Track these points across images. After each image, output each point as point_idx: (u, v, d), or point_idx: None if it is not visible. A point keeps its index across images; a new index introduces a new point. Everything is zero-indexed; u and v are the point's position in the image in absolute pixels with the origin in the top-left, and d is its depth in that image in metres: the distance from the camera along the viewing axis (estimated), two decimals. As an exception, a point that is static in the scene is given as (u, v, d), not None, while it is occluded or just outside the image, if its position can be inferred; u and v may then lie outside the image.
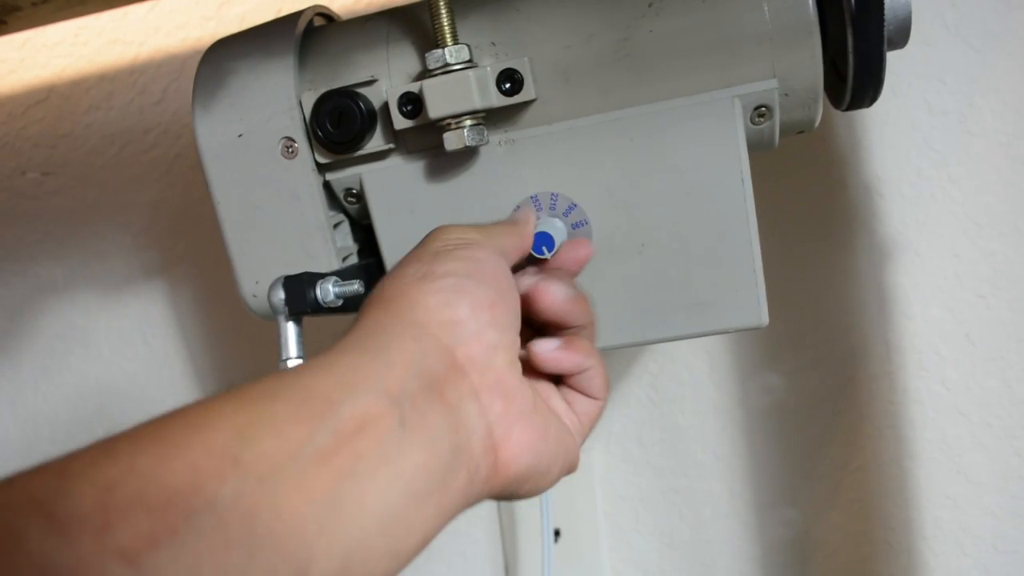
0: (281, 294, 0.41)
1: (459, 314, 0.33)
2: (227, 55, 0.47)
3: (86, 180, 0.83)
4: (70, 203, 0.84)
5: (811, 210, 0.67)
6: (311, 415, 0.26)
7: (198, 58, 0.78)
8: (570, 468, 0.38)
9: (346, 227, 0.49)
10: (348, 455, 0.26)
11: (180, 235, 0.82)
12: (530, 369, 0.40)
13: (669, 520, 0.75)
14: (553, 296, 0.38)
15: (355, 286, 0.41)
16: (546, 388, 0.40)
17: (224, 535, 0.22)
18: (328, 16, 0.53)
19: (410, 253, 0.37)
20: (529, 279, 0.39)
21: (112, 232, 0.83)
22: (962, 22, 0.63)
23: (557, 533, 0.74)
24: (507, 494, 0.35)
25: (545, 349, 0.38)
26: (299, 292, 0.40)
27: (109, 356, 0.85)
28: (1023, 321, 0.65)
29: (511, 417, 0.33)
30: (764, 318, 0.44)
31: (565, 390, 0.40)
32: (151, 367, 0.84)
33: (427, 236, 0.37)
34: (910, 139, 0.65)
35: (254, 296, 0.48)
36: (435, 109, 0.41)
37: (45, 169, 0.85)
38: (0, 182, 0.86)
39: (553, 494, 0.70)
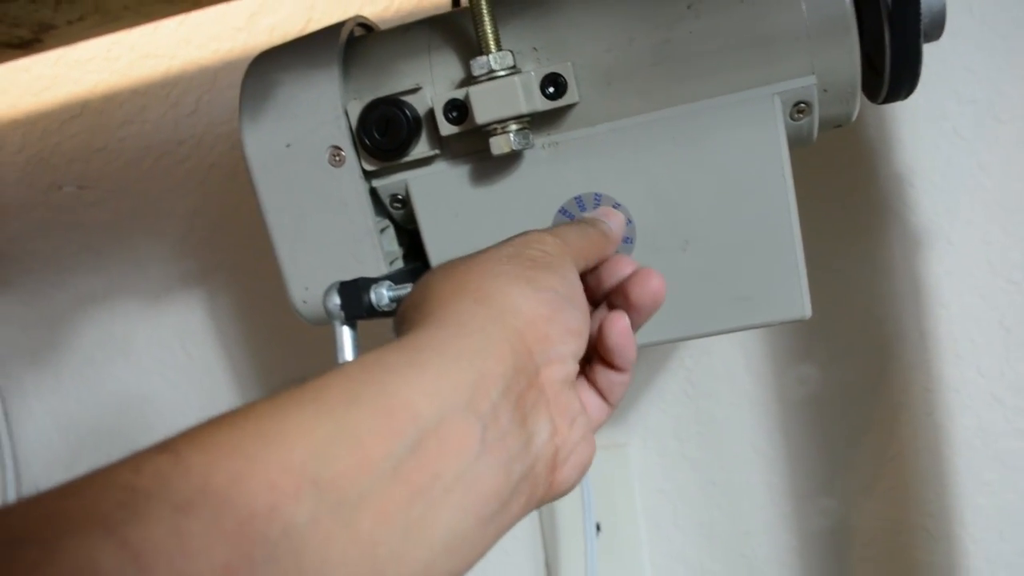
0: (337, 299, 0.42)
1: (555, 334, 0.32)
2: (272, 67, 0.48)
3: (122, 192, 0.85)
4: (107, 215, 0.86)
5: (843, 201, 0.68)
6: (394, 429, 0.25)
7: (230, 69, 0.80)
8: None
9: (392, 232, 0.50)
10: (426, 475, 0.25)
11: (217, 244, 0.83)
12: None
13: (707, 513, 0.76)
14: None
15: (408, 289, 0.42)
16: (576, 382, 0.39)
17: (299, 562, 0.22)
18: (367, 26, 0.54)
19: (500, 247, 0.35)
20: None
21: (149, 243, 0.85)
22: (988, 10, 0.63)
23: (597, 528, 0.75)
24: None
25: (626, 324, 0.37)
26: (354, 297, 0.41)
27: (150, 365, 0.87)
28: (1057, 306, 0.65)
29: (574, 441, 0.33)
30: (807, 310, 0.45)
31: (585, 391, 0.39)
32: (191, 375, 0.86)
33: (519, 237, 0.37)
34: (939, 128, 0.66)
35: (304, 302, 0.49)
36: (482, 115, 0.42)
37: (81, 183, 0.86)
38: (37, 197, 0.87)
39: (592, 490, 0.71)
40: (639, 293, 0.37)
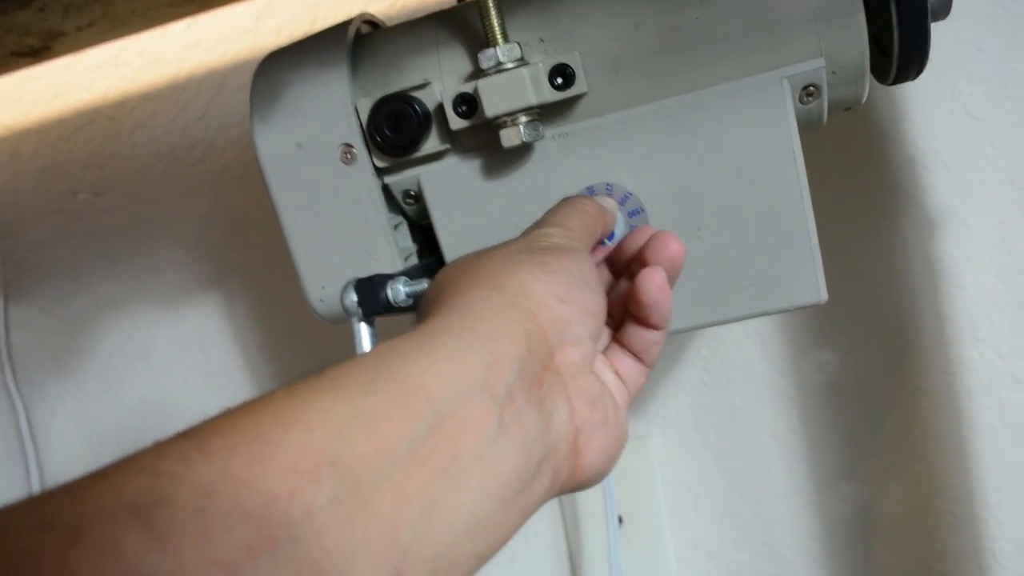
0: (354, 296, 0.42)
1: (571, 315, 0.33)
2: (281, 67, 0.49)
3: (136, 198, 0.86)
4: (122, 221, 0.86)
5: (856, 186, 0.67)
6: (410, 412, 0.25)
7: (238, 72, 0.80)
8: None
9: (405, 228, 0.50)
10: (445, 456, 0.26)
11: (232, 246, 0.83)
12: None
13: (729, 501, 0.76)
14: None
15: (424, 284, 0.42)
16: (600, 360, 0.38)
17: (321, 544, 0.22)
18: (373, 23, 0.54)
19: (510, 243, 0.36)
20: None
21: (165, 247, 0.85)
22: (998, -12, 0.63)
23: (619, 520, 0.75)
24: (571, 491, 0.35)
25: (663, 279, 0.36)
26: (371, 294, 0.42)
27: (169, 368, 0.87)
28: (1076, 284, 0.65)
29: (595, 424, 0.33)
30: (823, 294, 0.45)
31: (619, 357, 0.38)
32: (211, 377, 0.86)
33: (525, 235, 0.37)
34: (951, 109, 0.65)
35: (321, 301, 0.50)
36: (491, 108, 0.42)
37: (96, 189, 0.87)
38: (53, 204, 0.88)
39: (614, 481, 0.71)
40: (658, 257, 0.37)
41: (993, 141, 0.65)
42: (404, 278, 0.43)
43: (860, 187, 0.67)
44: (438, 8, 0.73)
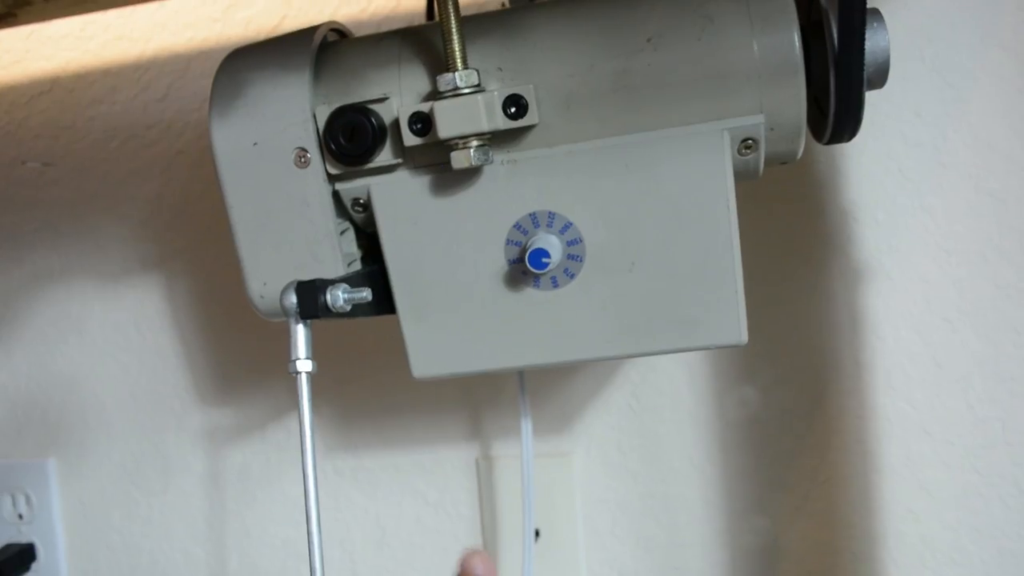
0: (293, 298, 0.43)
1: None
2: (244, 66, 0.50)
3: (87, 172, 0.85)
4: (70, 194, 0.86)
5: (790, 233, 0.70)
6: None
7: (203, 58, 0.81)
8: None
9: (351, 234, 0.52)
10: None
11: (178, 230, 0.84)
12: None
13: (645, 524, 0.78)
14: None
15: (363, 293, 0.44)
16: None
17: None
18: (340, 31, 0.55)
19: None
20: None
21: (111, 224, 0.85)
22: (938, 58, 0.66)
23: (537, 533, 0.77)
24: None
25: None
26: (311, 297, 0.43)
27: (103, 346, 0.87)
28: (986, 345, 0.68)
29: None
30: (744, 337, 0.47)
31: None
32: (144, 358, 0.86)
33: None
34: (886, 168, 0.68)
35: (261, 297, 0.51)
36: (445, 130, 0.44)
37: (46, 159, 0.86)
38: (0, 170, 0.87)
39: (534, 496, 0.73)
40: None
41: (923, 203, 0.68)
42: (344, 285, 0.44)
43: (795, 235, 0.70)
44: (409, 17, 0.75)
